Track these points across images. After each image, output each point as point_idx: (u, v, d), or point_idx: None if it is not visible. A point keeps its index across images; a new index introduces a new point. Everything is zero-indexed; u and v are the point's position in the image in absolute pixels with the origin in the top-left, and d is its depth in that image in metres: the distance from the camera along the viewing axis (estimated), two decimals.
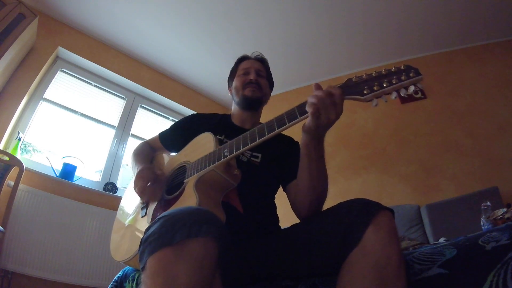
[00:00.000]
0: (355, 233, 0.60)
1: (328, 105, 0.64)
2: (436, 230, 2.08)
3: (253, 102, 1.07)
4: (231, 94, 1.15)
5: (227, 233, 0.57)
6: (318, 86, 0.67)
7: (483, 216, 1.43)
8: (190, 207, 0.59)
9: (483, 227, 1.41)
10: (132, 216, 0.97)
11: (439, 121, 2.67)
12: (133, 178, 0.96)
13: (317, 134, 0.70)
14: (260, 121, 1.14)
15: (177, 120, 1.22)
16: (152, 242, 0.52)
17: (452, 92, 2.72)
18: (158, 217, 0.56)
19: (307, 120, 0.67)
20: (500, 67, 2.62)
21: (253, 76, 1.08)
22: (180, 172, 0.91)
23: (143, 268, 0.52)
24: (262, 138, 0.71)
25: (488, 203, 1.48)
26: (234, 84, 1.12)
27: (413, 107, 2.80)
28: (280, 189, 1.03)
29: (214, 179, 0.80)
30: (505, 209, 1.35)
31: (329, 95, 0.64)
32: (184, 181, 0.85)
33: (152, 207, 0.91)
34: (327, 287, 0.68)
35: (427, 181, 2.51)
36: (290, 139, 1.09)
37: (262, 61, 1.17)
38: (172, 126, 1.17)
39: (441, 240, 1.60)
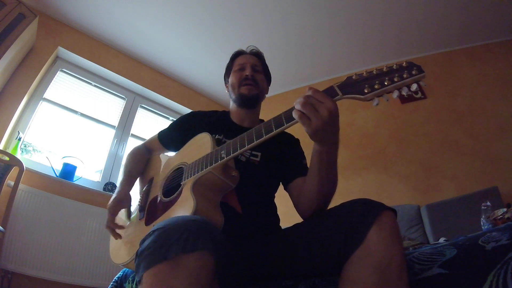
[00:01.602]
0: (358, 233, 0.59)
1: (316, 104, 0.61)
2: (436, 230, 2.08)
3: (250, 100, 1.05)
4: (228, 91, 1.12)
5: (224, 242, 0.56)
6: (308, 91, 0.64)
7: (483, 216, 1.43)
8: (185, 218, 0.58)
9: (483, 227, 1.41)
10: (131, 218, 0.97)
11: (439, 121, 2.67)
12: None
13: (322, 140, 0.67)
14: (260, 117, 1.13)
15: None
16: (147, 256, 0.51)
17: (452, 92, 2.72)
18: (152, 229, 0.56)
19: (304, 128, 0.64)
20: (500, 67, 2.62)
21: (249, 71, 1.06)
22: (178, 174, 0.90)
23: (139, 281, 0.52)
24: (260, 139, 0.70)
25: (488, 203, 1.48)
26: (230, 80, 1.10)
27: (413, 107, 2.80)
28: (281, 188, 1.02)
29: (212, 181, 0.79)
30: (505, 209, 1.35)
31: (310, 97, 0.62)
32: (181, 183, 0.84)
33: (149, 209, 0.90)
34: (327, 287, 0.68)
35: (427, 181, 2.51)
36: (290, 137, 1.08)
37: (257, 55, 1.14)
38: (171, 125, 1.15)
39: (441, 240, 1.60)
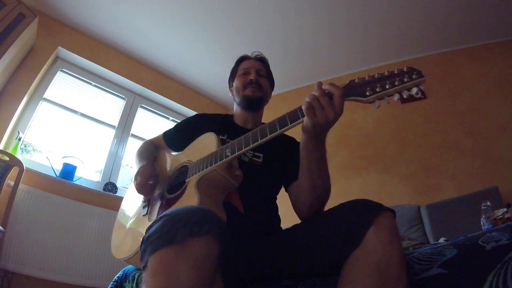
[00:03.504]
0: (357, 233, 0.60)
1: (325, 105, 0.64)
2: (436, 230, 2.07)
3: (253, 102, 1.08)
4: (232, 95, 1.16)
5: (228, 232, 0.57)
6: (318, 85, 0.67)
7: (483, 216, 1.43)
8: (191, 206, 0.59)
9: (483, 227, 1.41)
10: (134, 214, 0.98)
11: (439, 121, 2.66)
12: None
13: (315, 134, 0.70)
14: (262, 121, 1.15)
15: (177, 120, 1.22)
16: (154, 241, 0.52)
17: (452, 92, 2.71)
18: (159, 216, 0.57)
19: (305, 119, 0.67)
20: (501, 67, 2.62)
21: (253, 76, 1.09)
22: (182, 172, 0.91)
23: (144, 267, 0.52)
24: (264, 139, 0.71)
25: (488, 203, 1.47)
26: (234, 84, 1.13)
27: (413, 107, 2.80)
28: (282, 189, 1.03)
29: (216, 179, 0.80)
30: (505, 209, 1.35)
31: (326, 95, 0.64)
32: (185, 180, 0.85)
33: (153, 205, 0.91)
34: (327, 287, 0.68)
35: (427, 181, 2.51)
36: (292, 140, 1.09)
37: (262, 60, 1.17)
38: (176, 126, 1.18)
39: (441, 240, 1.60)
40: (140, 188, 0.93)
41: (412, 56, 2.94)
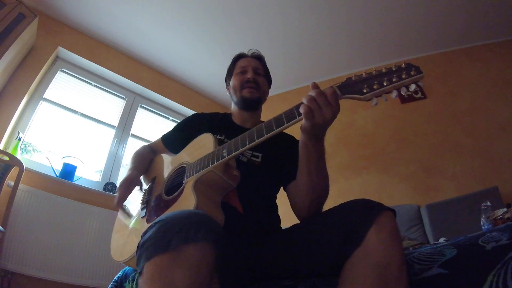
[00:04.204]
0: (357, 233, 0.59)
1: (322, 105, 0.64)
2: (436, 230, 2.07)
3: (251, 103, 1.07)
4: (229, 93, 1.14)
5: (224, 236, 0.57)
6: (314, 86, 0.67)
7: (483, 216, 1.43)
8: (186, 211, 0.59)
9: (483, 227, 1.41)
10: (133, 216, 0.97)
11: (439, 121, 2.66)
12: None
13: (314, 134, 0.70)
14: (261, 120, 1.14)
15: (177, 120, 1.23)
16: (149, 248, 0.52)
17: (452, 92, 2.71)
18: (154, 222, 0.56)
19: (303, 120, 0.67)
20: (501, 67, 2.62)
21: (251, 75, 1.07)
22: (180, 173, 0.91)
23: (140, 273, 0.52)
24: (261, 139, 0.71)
25: (488, 203, 1.48)
26: (231, 83, 1.11)
27: (413, 107, 2.80)
28: (281, 189, 1.02)
29: (213, 180, 0.80)
30: (505, 209, 1.36)
31: (321, 95, 0.64)
32: (183, 181, 0.85)
33: (151, 207, 0.91)
34: (327, 287, 0.68)
35: (427, 181, 2.51)
36: (291, 138, 1.08)
37: (259, 58, 1.15)
38: (174, 128, 1.17)
39: (441, 240, 1.60)
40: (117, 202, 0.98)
41: (412, 56, 2.94)
